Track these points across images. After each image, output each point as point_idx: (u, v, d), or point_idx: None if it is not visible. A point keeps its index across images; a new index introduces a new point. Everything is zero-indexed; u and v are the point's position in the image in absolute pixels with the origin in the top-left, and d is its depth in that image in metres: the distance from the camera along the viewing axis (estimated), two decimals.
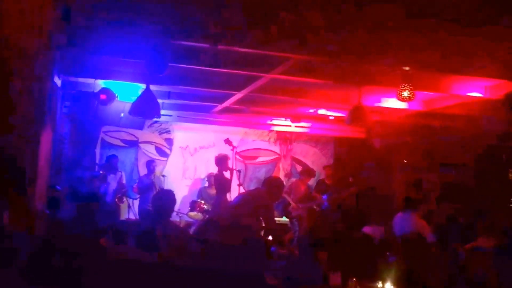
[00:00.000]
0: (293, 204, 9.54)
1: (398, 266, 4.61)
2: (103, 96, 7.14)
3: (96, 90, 7.30)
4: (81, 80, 7.35)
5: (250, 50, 5.70)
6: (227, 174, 8.66)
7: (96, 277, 2.72)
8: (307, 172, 10.25)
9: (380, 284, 4.26)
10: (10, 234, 3.42)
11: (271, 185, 6.04)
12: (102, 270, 2.77)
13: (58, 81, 5.49)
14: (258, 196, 6.00)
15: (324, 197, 9.43)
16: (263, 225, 6.04)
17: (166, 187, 9.63)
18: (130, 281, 2.83)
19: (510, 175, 9.81)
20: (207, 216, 9.53)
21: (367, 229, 6.60)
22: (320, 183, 10.16)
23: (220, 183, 8.48)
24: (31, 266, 2.85)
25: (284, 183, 10.96)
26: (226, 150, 9.78)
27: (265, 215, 5.87)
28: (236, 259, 4.34)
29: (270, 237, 7.30)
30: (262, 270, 4.82)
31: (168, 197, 4.84)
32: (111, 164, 9.48)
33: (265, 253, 5.23)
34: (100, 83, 7.45)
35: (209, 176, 10.25)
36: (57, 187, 6.58)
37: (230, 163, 8.59)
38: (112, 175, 9.34)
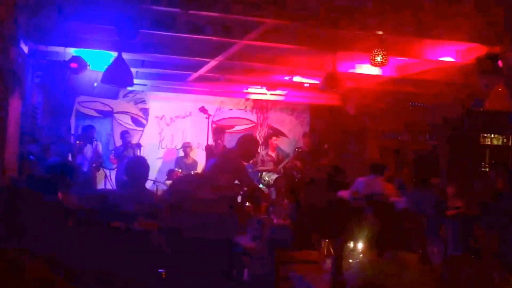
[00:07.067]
0: (269, 169, 9.69)
1: (369, 226, 4.70)
2: (74, 65, 7.03)
3: (67, 59, 7.18)
4: (50, 48, 7.21)
5: (221, 15, 5.64)
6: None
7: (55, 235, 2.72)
8: (269, 136, 10.47)
9: (352, 244, 4.34)
10: None
11: (244, 143, 6.02)
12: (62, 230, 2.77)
13: (24, 48, 5.37)
14: (227, 159, 5.98)
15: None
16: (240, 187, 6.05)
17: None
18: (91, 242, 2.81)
19: (482, 139, 10.02)
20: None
21: (342, 193, 6.72)
22: (299, 151, 10.23)
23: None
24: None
25: (260, 151, 11.17)
26: (202, 119, 9.80)
27: (238, 176, 5.84)
28: (209, 228, 4.38)
29: (247, 204, 7.36)
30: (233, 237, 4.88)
31: (140, 164, 4.82)
32: (87, 135, 9.46)
33: (237, 221, 5.27)
34: (71, 52, 7.32)
35: (184, 146, 10.29)
36: (31, 156, 6.51)
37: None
38: (88, 145, 9.32)
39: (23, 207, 2.81)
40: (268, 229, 5.21)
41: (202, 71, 8.78)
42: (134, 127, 10.82)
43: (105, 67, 6.99)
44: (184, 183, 4.83)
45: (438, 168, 9.08)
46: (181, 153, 10.45)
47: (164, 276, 2.94)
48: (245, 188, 6.65)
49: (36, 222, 2.74)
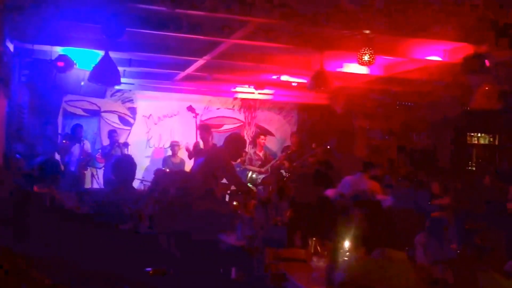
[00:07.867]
0: (256, 170, 9.68)
1: (356, 225, 4.72)
2: (60, 64, 6.97)
3: (54, 58, 7.13)
4: (37, 47, 7.14)
5: (208, 14, 5.62)
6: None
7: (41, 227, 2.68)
8: (256, 136, 10.48)
9: (339, 243, 4.35)
10: None
11: (231, 142, 6.02)
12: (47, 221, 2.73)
13: (10, 46, 5.30)
14: (215, 157, 5.98)
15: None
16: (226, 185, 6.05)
17: None
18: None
19: (468, 138, 10.10)
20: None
21: (329, 192, 6.74)
22: (287, 152, 10.23)
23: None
24: None
25: (248, 150, 11.18)
26: (190, 118, 9.78)
27: (226, 175, 5.84)
28: (201, 227, 4.36)
29: (235, 202, 7.35)
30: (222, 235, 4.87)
31: (127, 162, 4.81)
32: (75, 134, 9.45)
33: (228, 219, 5.26)
34: (58, 50, 7.27)
35: (172, 145, 10.27)
36: (17, 155, 6.46)
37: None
38: (76, 144, 9.30)
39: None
40: (261, 229, 5.22)
41: (189, 70, 8.75)
42: (121, 126, 10.78)
43: (92, 65, 6.94)
44: (169, 180, 4.81)
45: (426, 167, 9.13)
46: (169, 152, 10.44)
47: (151, 274, 2.91)
48: (233, 187, 6.66)
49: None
